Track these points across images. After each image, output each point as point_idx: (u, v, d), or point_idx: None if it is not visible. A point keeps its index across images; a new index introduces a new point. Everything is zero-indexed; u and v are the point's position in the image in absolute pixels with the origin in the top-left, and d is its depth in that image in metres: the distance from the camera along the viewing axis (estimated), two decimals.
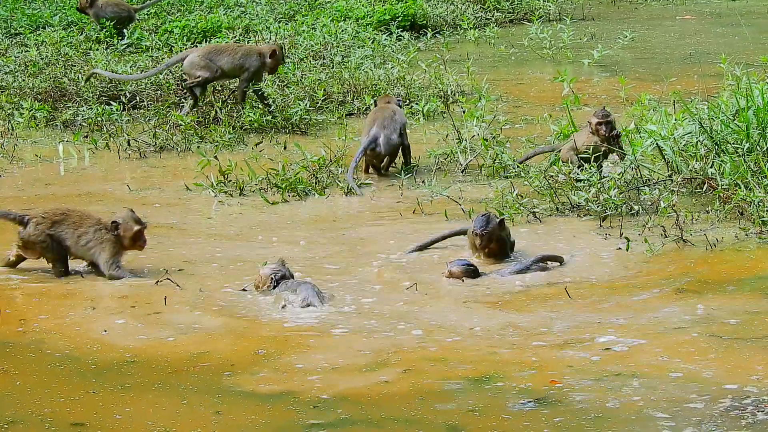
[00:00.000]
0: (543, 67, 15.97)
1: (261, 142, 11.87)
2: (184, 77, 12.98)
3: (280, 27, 16.77)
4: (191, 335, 7.24)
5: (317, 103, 12.89)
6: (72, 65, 14.43)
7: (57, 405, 6.26)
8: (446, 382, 6.43)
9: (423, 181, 10.36)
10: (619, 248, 8.55)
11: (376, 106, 11.24)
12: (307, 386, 6.43)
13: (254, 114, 12.39)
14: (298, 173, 10.44)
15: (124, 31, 16.36)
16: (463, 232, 8.72)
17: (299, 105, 12.52)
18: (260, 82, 12.77)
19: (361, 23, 17.42)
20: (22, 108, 12.98)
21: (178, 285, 8.00)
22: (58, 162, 11.75)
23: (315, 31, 16.48)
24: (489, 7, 19.73)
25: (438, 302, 7.71)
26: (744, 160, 9.29)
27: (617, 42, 16.27)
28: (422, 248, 8.73)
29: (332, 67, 14.49)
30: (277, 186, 10.40)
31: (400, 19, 17.94)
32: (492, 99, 12.78)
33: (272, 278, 7.80)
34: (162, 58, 14.62)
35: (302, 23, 17.16)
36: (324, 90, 13.08)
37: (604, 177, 9.64)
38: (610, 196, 9.21)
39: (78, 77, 13.74)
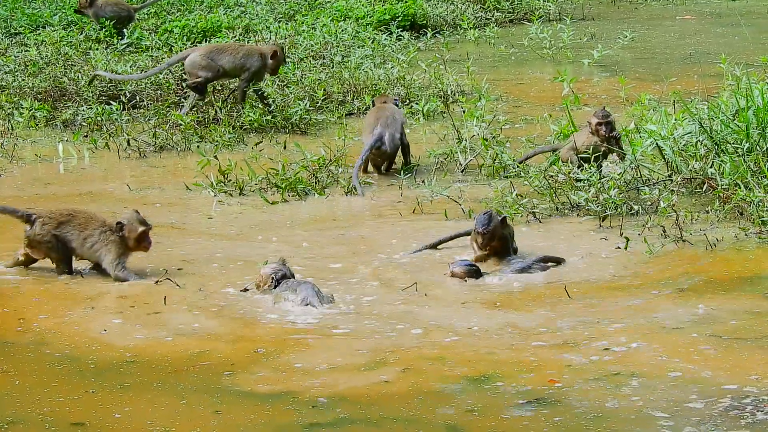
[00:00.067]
0: (543, 67, 15.97)
1: (261, 142, 11.87)
2: (185, 77, 12.98)
3: (280, 27, 16.77)
4: (190, 335, 7.24)
5: (317, 102, 12.89)
6: (72, 65, 14.43)
7: (56, 404, 6.27)
8: (446, 382, 6.43)
9: (423, 181, 10.36)
10: (618, 247, 8.55)
11: (374, 106, 11.25)
12: (306, 386, 6.43)
13: (254, 114, 12.39)
14: (297, 173, 10.43)
15: (124, 30, 16.35)
16: (470, 233, 8.68)
17: (299, 105, 12.52)
18: (260, 82, 12.77)
19: (361, 23, 17.42)
20: (22, 107, 12.98)
21: (177, 284, 8.00)
22: (57, 161, 11.75)
23: (315, 30, 16.48)
24: (489, 7, 19.73)
25: (438, 302, 7.71)
26: (744, 160, 9.29)
27: (617, 42, 16.27)
28: (430, 248, 8.71)
29: (332, 67, 14.49)
30: (277, 186, 10.40)
31: (400, 18, 17.94)
32: (492, 99, 12.78)
33: (273, 278, 7.80)
34: (162, 58, 14.62)
35: (302, 23, 17.16)
36: (324, 90, 13.08)
37: (603, 177, 9.64)
38: (610, 196, 9.21)
39: (78, 77, 13.74)
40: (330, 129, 12.44)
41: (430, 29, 18.06)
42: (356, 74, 13.76)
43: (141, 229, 8.22)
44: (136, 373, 6.67)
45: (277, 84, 13.14)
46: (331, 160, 10.75)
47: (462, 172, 10.84)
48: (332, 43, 15.82)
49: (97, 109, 12.73)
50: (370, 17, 17.75)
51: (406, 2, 18.35)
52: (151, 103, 13.27)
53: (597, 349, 6.78)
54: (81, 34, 16.41)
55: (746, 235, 8.66)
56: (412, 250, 8.70)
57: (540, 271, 8.20)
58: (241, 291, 7.93)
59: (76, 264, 8.39)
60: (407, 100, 13.19)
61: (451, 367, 6.62)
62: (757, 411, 5.91)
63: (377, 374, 6.56)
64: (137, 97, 13.48)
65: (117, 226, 8.22)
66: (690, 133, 9.92)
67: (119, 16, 16.43)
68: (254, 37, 16.24)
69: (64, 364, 6.82)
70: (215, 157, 10.82)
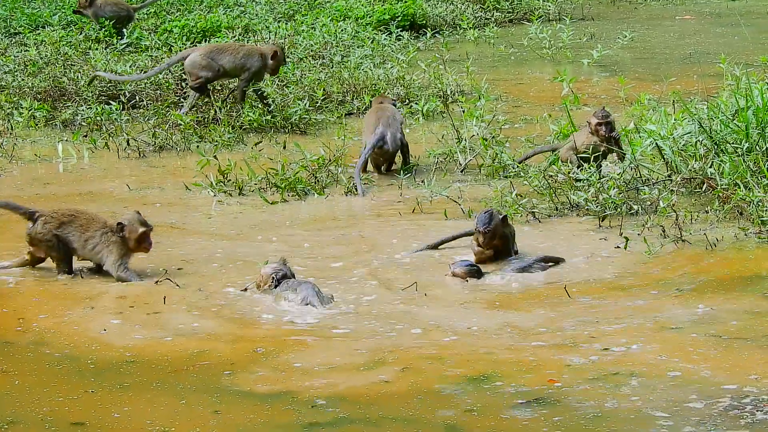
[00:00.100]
0: (543, 67, 15.97)
1: (260, 142, 11.87)
2: (185, 77, 12.98)
3: (279, 26, 16.77)
4: (190, 335, 7.24)
5: (317, 102, 12.88)
6: (71, 65, 14.43)
7: (56, 404, 6.26)
8: (445, 381, 6.43)
9: (423, 181, 10.36)
10: (618, 247, 8.55)
11: (372, 106, 11.25)
12: (305, 386, 6.42)
13: (254, 113, 12.39)
14: (297, 173, 10.43)
15: (124, 30, 16.35)
16: (471, 233, 8.66)
17: (299, 105, 12.51)
18: (260, 82, 12.77)
19: (361, 23, 17.41)
20: (22, 107, 12.98)
21: (177, 284, 8.00)
22: (57, 161, 11.75)
23: (314, 30, 16.48)
24: (489, 6, 19.73)
25: (438, 302, 7.70)
26: (743, 159, 9.29)
27: (617, 42, 16.27)
28: (431, 248, 8.70)
29: (332, 67, 14.49)
30: (277, 186, 10.40)
31: (399, 18, 17.94)
32: (491, 99, 12.77)
33: (273, 277, 7.80)
34: (161, 58, 14.62)
35: (302, 23, 17.16)
36: (323, 90, 13.08)
37: (603, 177, 9.64)
38: (610, 196, 9.21)
39: (77, 77, 13.73)
40: (329, 129, 12.43)
41: (429, 29, 18.05)
42: (356, 74, 13.76)
43: (141, 230, 8.22)
44: (136, 373, 6.67)
45: (277, 84, 13.14)
46: (330, 160, 10.75)
47: (461, 172, 10.84)
48: (332, 43, 15.82)
49: (97, 108, 12.72)
50: (370, 17, 17.75)
51: (405, 2, 18.34)
52: (150, 103, 13.27)
53: (596, 349, 6.78)
54: (80, 34, 16.41)
55: (746, 234, 8.66)
56: (413, 250, 8.69)
57: (540, 270, 8.19)
58: (241, 291, 7.93)
59: (76, 264, 8.39)
60: (407, 100, 13.19)
61: (450, 367, 6.62)
62: (757, 411, 5.91)
63: (376, 374, 6.55)
64: (137, 97, 13.48)
65: (117, 226, 8.22)
66: (689, 133, 9.92)
67: (119, 16, 16.43)
68: (254, 37, 16.24)
69: (63, 364, 6.81)
70: (215, 157, 10.82)
